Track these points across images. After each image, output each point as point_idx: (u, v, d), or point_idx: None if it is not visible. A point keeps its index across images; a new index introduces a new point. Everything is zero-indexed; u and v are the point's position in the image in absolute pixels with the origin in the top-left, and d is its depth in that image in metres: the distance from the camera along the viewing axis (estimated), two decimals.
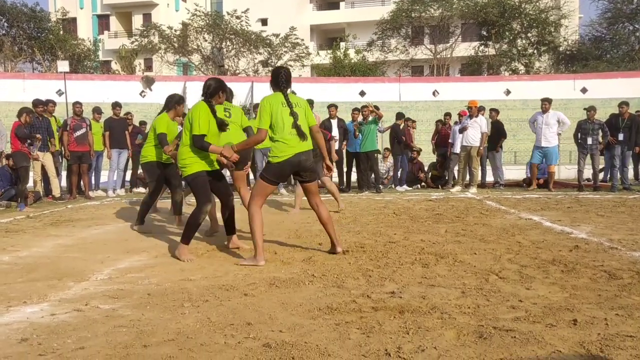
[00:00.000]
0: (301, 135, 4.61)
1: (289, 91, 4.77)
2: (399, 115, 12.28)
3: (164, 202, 8.57)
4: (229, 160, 4.83)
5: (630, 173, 12.37)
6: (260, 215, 4.66)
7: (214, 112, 4.89)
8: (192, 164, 4.89)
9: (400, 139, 11.83)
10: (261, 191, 4.72)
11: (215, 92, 4.95)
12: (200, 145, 4.79)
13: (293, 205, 8.30)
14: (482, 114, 12.13)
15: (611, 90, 15.41)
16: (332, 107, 11.30)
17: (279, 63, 27.30)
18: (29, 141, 9.21)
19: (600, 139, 11.03)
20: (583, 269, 4.25)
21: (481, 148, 11.07)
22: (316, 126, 4.85)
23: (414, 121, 13.12)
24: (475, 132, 10.92)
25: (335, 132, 11.06)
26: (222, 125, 4.96)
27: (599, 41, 27.60)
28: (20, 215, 8.05)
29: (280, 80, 4.69)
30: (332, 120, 11.19)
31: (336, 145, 11.10)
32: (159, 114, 6.49)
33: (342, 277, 4.10)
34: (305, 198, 5.38)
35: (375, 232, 6.19)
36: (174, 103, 6.45)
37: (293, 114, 4.60)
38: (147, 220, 6.71)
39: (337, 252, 4.91)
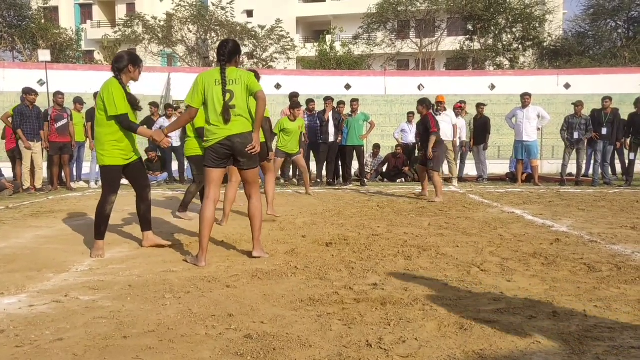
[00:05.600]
0: (235, 115, 4.17)
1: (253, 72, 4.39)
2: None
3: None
4: (161, 144, 4.67)
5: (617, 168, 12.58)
6: (211, 211, 4.26)
7: (124, 88, 4.53)
8: (110, 154, 4.55)
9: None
10: (209, 180, 4.31)
11: (125, 65, 4.55)
12: (127, 126, 4.49)
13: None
14: (464, 107, 12.20)
15: (594, 86, 15.56)
16: (328, 99, 11.20)
17: (265, 55, 27.18)
18: None
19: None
20: (563, 261, 4.30)
21: (455, 139, 11.12)
22: (261, 92, 4.17)
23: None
24: (447, 126, 10.96)
25: (330, 126, 11.04)
26: (134, 103, 4.58)
27: (582, 37, 27.91)
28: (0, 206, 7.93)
29: (221, 52, 4.23)
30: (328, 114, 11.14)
31: (332, 138, 11.08)
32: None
33: (324, 269, 4.10)
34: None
35: (359, 224, 6.20)
36: None
37: (225, 92, 4.15)
38: (190, 208, 6.93)
39: (253, 256, 4.46)
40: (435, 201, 8.22)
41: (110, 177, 4.68)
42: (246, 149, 4.24)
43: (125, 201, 7.09)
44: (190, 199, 6.91)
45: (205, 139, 4.33)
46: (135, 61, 4.63)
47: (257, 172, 4.52)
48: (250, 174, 4.42)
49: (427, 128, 8.42)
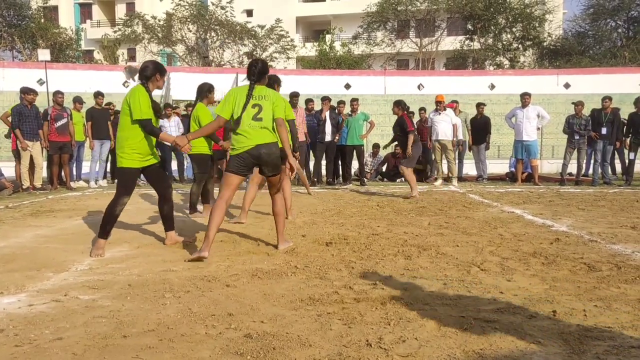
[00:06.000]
0: (261, 127, 4.49)
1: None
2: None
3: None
4: (182, 150, 4.77)
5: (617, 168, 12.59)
6: (221, 210, 4.49)
7: (150, 95, 4.72)
8: (129, 157, 4.67)
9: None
10: (227, 184, 4.55)
11: (152, 74, 4.76)
12: (150, 130, 4.64)
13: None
14: (456, 107, 12.16)
15: (593, 86, 15.56)
16: (325, 99, 11.19)
17: (264, 55, 27.17)
18: None
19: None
20: (563, 261, 4.30)
21: (454, 139, 11.11)
22: (280, 119, 4.58)
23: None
24: (447, 126, 10.93)
25: (327, 125, 11.03)
26: (157, 110, 4.76)
27: (582, 37, 27.89)
28: None
29: (251, 71, 4.59)
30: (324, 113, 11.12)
31: (328, 137, 11.07)
32: (194, 105, 6.74)
33: (324, 268, 4.10)
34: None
35: (359, 224, 6.20)
36: (205, 92, 6.73)
37: (253, 106, 4.50)
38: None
39: (279, 249, 4.78)
40: (413, 196, 8.45)
41: (125, 178, 4.77)
42: (272, 159, 4.55)
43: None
44: (196, 198, 6.97)
45: (232, 147, 4.57)
46: (161, 70, 4.86)
47: (281, 176, 4.82)
48: (275, 179, 4.76)
49: (403, 129, 8.65)
